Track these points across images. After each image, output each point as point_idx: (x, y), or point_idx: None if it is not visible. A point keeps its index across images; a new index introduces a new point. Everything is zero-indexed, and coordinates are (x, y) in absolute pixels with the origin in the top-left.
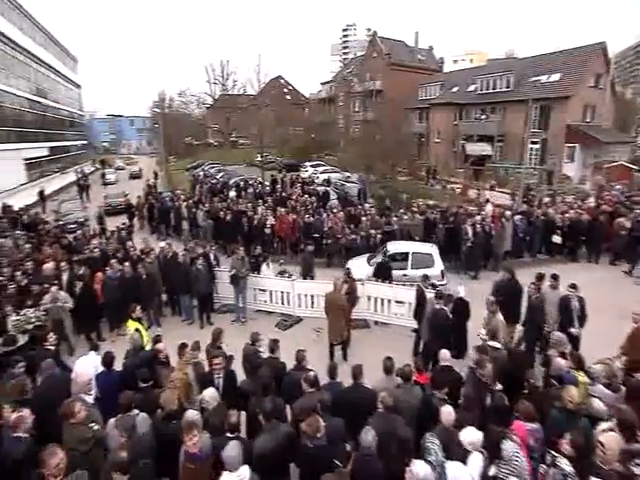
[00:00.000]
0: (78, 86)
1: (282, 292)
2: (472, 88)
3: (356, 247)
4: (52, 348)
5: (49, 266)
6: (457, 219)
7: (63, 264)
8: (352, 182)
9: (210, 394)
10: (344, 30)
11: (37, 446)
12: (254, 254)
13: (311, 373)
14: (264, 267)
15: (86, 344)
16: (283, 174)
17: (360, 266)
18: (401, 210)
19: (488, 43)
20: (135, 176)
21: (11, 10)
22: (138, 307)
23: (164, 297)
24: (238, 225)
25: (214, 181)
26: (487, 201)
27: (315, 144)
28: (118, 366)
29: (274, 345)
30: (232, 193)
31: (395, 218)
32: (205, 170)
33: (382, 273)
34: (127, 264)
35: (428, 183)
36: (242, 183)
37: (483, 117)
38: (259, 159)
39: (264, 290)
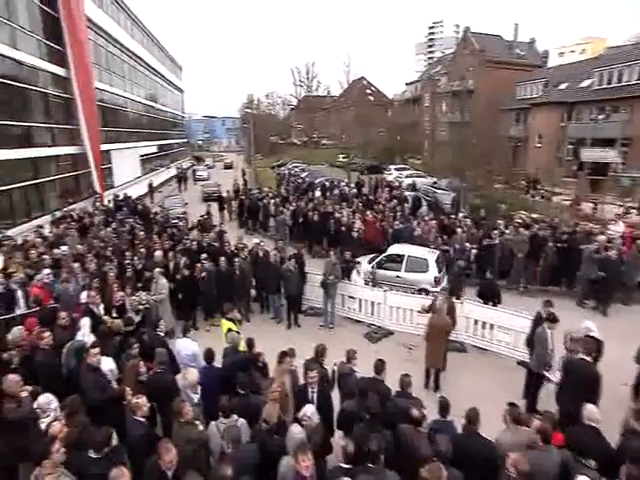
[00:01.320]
0: (181, 91)
1: (373, 302)
2: (586, 83)
3: (449, 259)
4: (162, 334)
5: (159, 254)
6: (573, 238)
7: (170, 254)
8: (443, 189)
9: (311, 411)
10: (430, 28)
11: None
12: (345, 259)
13: (418, 411)
14: (354, 274)
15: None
16: (369, 177)
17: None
18: (498, 221)
19: (606, 29)
20: (228, 167)
21: (137, 29)
22: (235, 310)
23: (253, 293)
24: (324, 226)
25: (300, 180)
26: (617, 218)
27: (398, 146)
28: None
29: (381, 366)
30: (317, 193)
31: (496, 231)
32: (290, 169)
33: (487, 292)
34: (223, 259)
35: (528, 193)
36: (328, 183)
37: (601, 117)
38: (341, 160)
39: (353, 298)
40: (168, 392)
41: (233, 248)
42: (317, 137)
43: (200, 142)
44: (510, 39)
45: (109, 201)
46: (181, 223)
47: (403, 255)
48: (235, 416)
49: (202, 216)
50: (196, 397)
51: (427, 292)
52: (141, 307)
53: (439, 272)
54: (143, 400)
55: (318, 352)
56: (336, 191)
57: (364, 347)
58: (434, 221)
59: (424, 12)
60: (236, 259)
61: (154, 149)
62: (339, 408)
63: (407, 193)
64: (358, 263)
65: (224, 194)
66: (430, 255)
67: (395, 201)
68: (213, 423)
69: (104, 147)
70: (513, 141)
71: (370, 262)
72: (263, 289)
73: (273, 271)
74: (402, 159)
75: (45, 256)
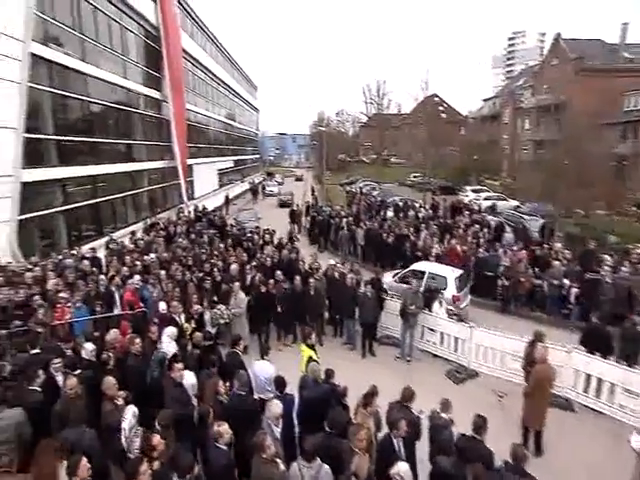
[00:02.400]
0: (257, 110)
1: (457, 338)
2: None
3: (542, 295)
4: (240, 353)
5: (235, 267)
6: None
7: (248, 267)
8: (529, 214)
9: (404, 470)
10: (510, 39)
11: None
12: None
13: None
14: (436, 305)
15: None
16: (444, 198)
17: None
18: (606, 255)
19: None
20: (299, 179)
21: (219, 54)
22: (313, 334)
23: (326, 315)
24: (399, 249)
25: (371, 199)
26: None
27: (474, 166)
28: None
29: (482, 425)
30: (390, 213)
31: (607, 267)
32: (361, 187)
33: (594, 340)
34: (298, 278)
35: None
36: (401, 204)
37: None
38: (412, 179)
39: (434, 330)
40: (249, 419)
41: (307, 267)
42: (386, 155)
43: (271, 158)
44: (614, 42)
45: (189, 212)
46: (255, 237)
47: (424, 272)
48: (319, 460)
49: (268, 229)
50: (278, 431)
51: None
52: (222, 321)
53: (459, 291)
54: (225, 427)
55: (406, 396)
56: (411, 212)
57: (446, 387)
58: (524, 251)
59: (497, 26)
60: (311, 279)
61: (230, 164)
62: (431, 463)
63: (489, 217)
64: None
65: (295, 207)
66: (450, 273)
67: (477, 226)
68: (295, 465)
69: (188, 162)
70: (618, 160)
71: (394, 277)
72: (337, 312)
73: (349, 295)
74: (478, 180)
75: (137, 262)
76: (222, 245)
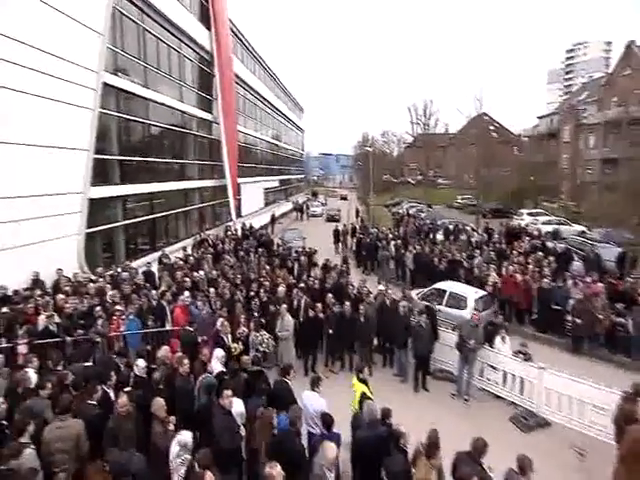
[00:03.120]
0: (302, 130)
1: (523, 379)
2: None
3: (625, 337)
4: (289, 382)
5: (283, 289)
6: None
7: (295, 291)
8: (602, 242)
9: None
10: (569, 52)
11: None
12: (490, 321)
13: None
14: (498, 340)
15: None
16: (500, 222)
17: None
18: None
19: None
20: (343, 198)
21: (268, 77)
22: (366, 367)
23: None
24: (452, 276)
25: (420, 222)
26: None
27: (530, 187)
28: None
29: None
30: (439, 237)
31: None
32: (407, 209)
33: None
34: (348, 303)
35: None
36: (451, 227)
37: None
38: (460, 201)
39: (496, 369)
40: (300, 458)
41: (356, 292)
42: (433, 176)
43: (315, 178)
44: None
45: (236, 230)
46: (302, 258)
47: (445, 290)
48: None
49: (312, 249)
50: (332, 477)
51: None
52: (260, 348)
53: (480, 311)
54: (278, 470)
55: (478, 449)
56: (462, 236)
57: (511, 436)
58: (600, 283)
59: (551, 39)
60: (361, 305)
61: (276, 183)
62: None
63: (551, 244)
64: (504, 328)
65: (339, 227)
66: (471, 293)
67: (540, 253)
68: None
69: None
70: None
71: (418, 294)
72: (388, 341)
73: (401, 324)
74: (535, 202)
75: (187, 278)
76: (269, 266)
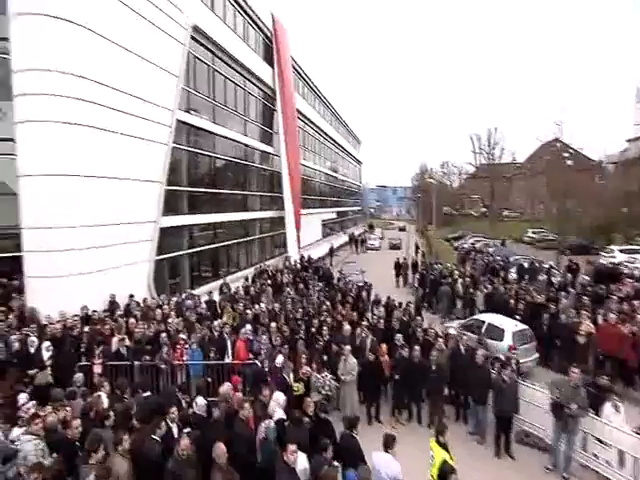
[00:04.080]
0: (359, 162)
1: None
2: None
3: None
4: (357, 438)
5: (348, 328)
6: None
7: (359, 330)
8: None
9: None
10: None
11: None
12: (595, 382)
13: None
14: (608, 407)
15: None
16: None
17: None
18: None
19: None
20: (402, 229)
21: (327, 110)
22: (446, 429)
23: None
24: (534, 321)
25: (489, 258)
26: None
27: (618, 220)
28: None
29: None
30: (512, 275)
31: None
32: (472, 243)
33: None
34: (417, 347)
35: None
36: (526, 264)
37: None
38: (531, 235)
39: (605, 444)
40: None
41: (423, 333)
42: (498, 208)
43: (372, 210)
44: None
45: (295, 261)
46: (364, 294)
47: (484, 321)
48: None
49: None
50: None
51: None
52: (323, 392)
53: (520, 344)
54: None
55: None
56: (541, 276)
57: None
58: None
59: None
60: (433, 351)
61: (333, 215)
62: None
63: None
64: (615, 394)
65: (401, 260)
66: (510, 325)
67: None
68: None
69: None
70: None
71: (458, 326)
72: (462, 392)
73: (480, 376)
74: (627, 237)
75: (248, 310)
76: (329, 301)
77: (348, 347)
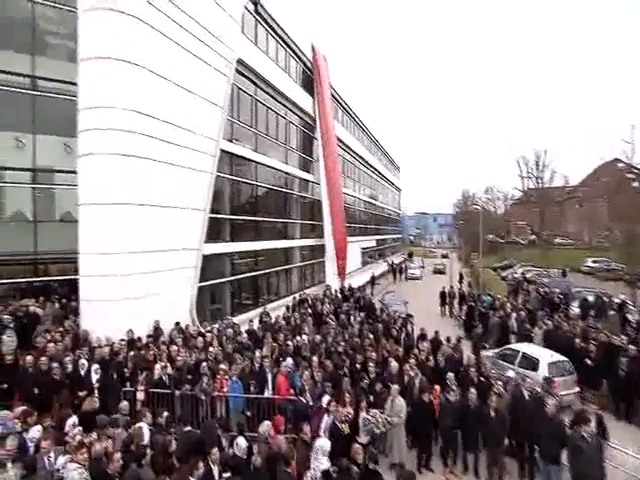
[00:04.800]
0: (399, 189)
1: None
2: None
3: None
4: None
5: (395, 365)
6: None
7: (407, 367)
8: None
9: None
10: None
11: None
12: None
13: None
14: None
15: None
16: None
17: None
18: None
19: None
20: (445, 256)
21: (365, 137)
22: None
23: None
24: (607, 365)
25: (545, 290)
26: None
27: None
28: None
29: None
30: (575, 310)
31: None
32: (522, 273)
33: None
34: (473, 390)
35: None
36: (591, 298)
37: None
38: (590, 264)
39: None
40: None
41: (478, 373)
42: (549, 235)
43: (412, 237)
44: None
45: (335, 290)
46: (409, 327)
47: (518, 351)
48: None
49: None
50: None
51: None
52: (377, 431)
53: (557, 375)
54: None
55: None
56: (612, 312)
57: None
58: None
59: None
60: (492, 396)
61: (373, 243)
62: None
63: None
64: None
65: (446, 289)
66: (546, 356)
67: None
68: None
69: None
70: None
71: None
72: (528, 445)
73: (552, 431)
74: None
75: (289, 342)
76: (372, 334)
77: (396, 387)
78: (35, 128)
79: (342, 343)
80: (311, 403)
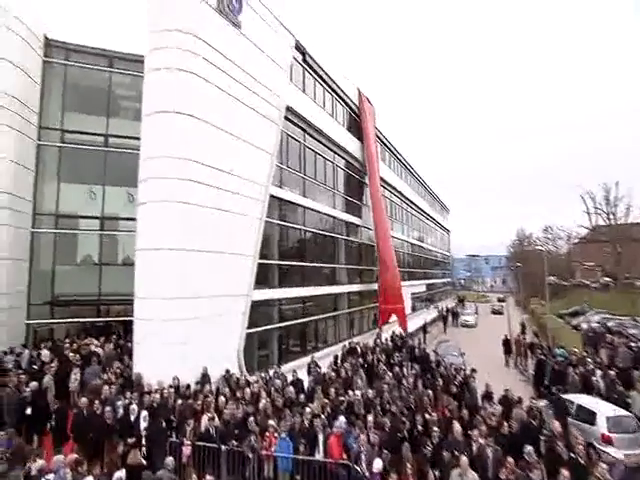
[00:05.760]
0: (448, 231)
1: None
2: None
3: None
4: None
5: (459, 429)
6: None
7: (475, 434)
8: None
9: None
10: None
11: None
12: None
13: None
14: None
15: None
16: None
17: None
18: None
19: None
20: (501, 300)
21: (412, 179)
22: None
23: None
24: None
25: (638, 344)
26: None
27: None
28: None
29: None
30: None
31: None
32: (598, 322)
33: None
34: (565, 473)
35: None
36: None
37: None
38: None
39: None
40: None
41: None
42: (627, 278)
43: (462, 281)
44: None
45: (386, 339)
46: (473, 385)
47: (573, 402)
48: None
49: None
50: None
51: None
52: None
53: (618, 432)
54: None
55: None
56: None
57: None
58: None
59: None
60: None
61: (422, 288)
62: None
63: None
64: None
65: (509, 336)
66: (605, 409)
67: None
68: None
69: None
70: None
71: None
72: None
73: None
74: None
75: (341, 398)
76: (431, 390)
77: (465, 459)
78: (105, 180)
79: (398, 401)
80: (367, 474)
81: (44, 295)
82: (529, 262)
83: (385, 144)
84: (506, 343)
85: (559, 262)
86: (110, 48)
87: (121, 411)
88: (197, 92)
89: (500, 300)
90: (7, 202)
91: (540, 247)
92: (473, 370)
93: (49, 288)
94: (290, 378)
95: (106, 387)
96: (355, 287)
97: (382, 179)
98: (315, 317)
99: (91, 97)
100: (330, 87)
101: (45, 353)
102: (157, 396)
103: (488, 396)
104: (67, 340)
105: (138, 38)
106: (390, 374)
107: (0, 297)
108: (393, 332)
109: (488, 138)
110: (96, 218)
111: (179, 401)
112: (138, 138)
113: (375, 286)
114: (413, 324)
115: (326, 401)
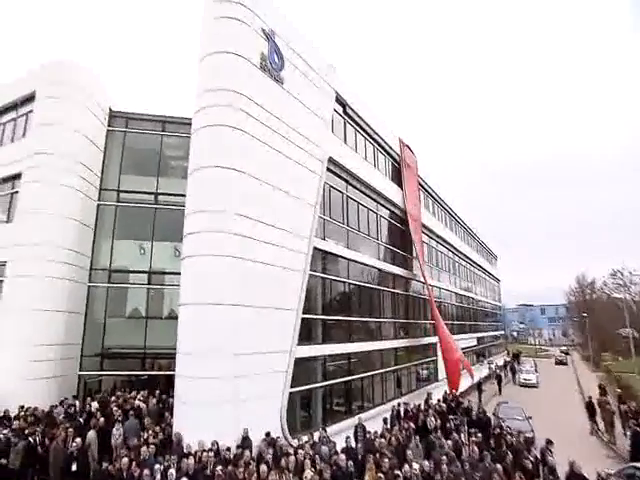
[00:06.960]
0: (498, 280)
1: None
2: None
3: None
4: None
5: None
6: None
7: None
8: None
9: None
10: None
11: None
12: None
13: None
14: None
15: None
16: None
17: None
18: None
19: None
20: (566, 352)
21: (457, 225)
22: None
23: None
24: None
25: None
26: None
27: None
28: None
29: None
30: None
31: None
32: None
33: None
34: None
35: None
36: None
37: None
38: None
39: None
40: None
41: None
42: None
43: (515, 334)
44: None
45: (438, 400)
46: (552, 460)
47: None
48: None
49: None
50: None
51: None
52: None
53: None
54: None
55: None
56: None
57: None
58: None
59: None
60: None
61: (473, 342)
62: None
63: None
64: None
65: (593, 399)
66: None
67: None
68: None
69: (429, 340)
70: None
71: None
72: None
73: None
74: None
75: (398, 472)
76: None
77: None
78: (154, 235)
79: (462, 478)
80: None
81: (95, 347)
82: (596, 312)
83: (429, 192)
84: (590, 406)
85: (632, 311)
86: (162, 113)
87: (158, 477)
88: (240, 146)
89: (564, 352)
90: (70, 259)
91: (608, 294)
92: (549, 442)
93: (100, 340)
94: (338, 442)
95: (144, 449)
96: (402, 342)
97: (426, 226)
98: (361, 375)
99: (144, 158)
100: (371, 137)
101: (95, 405)
102: (194, 462)
103: (576, 476)
104: (118, 394)
105: (187, 102)
106: (448, 442)
107: (56, 349)
108: (445, 392)
109: (533, 180)
110: (144, 272)
111: (219, 467)
112: (184, 195)
113: (424, 340)
114: (464, 382)
115: (381, 476)
